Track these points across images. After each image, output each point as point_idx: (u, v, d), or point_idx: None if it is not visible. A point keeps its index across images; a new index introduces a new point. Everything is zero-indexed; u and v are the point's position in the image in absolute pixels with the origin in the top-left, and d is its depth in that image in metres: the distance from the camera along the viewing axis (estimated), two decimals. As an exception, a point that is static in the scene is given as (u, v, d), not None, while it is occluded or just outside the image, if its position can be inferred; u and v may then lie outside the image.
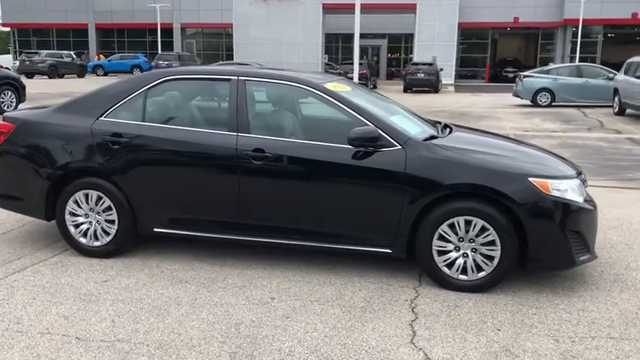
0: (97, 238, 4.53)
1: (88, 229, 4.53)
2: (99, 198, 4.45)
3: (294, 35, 38.99)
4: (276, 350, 3.19)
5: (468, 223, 3.90)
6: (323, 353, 3.16)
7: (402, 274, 4.29)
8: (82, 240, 4.55)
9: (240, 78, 4.36)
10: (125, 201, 4.41)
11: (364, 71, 31.57)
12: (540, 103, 19.73)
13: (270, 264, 4.46)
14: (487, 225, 3.86)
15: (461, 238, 3.95)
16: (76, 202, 4.49)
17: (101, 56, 43.80)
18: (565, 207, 3.86)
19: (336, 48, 49.34)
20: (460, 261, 3.97)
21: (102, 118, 4.46)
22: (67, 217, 4.53)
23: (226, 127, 4.28)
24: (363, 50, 50.63)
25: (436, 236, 3.96)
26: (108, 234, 4.50)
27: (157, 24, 41.87)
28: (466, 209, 3.88)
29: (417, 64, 31.81)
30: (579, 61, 34.48)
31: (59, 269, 4.32)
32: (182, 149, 4.30)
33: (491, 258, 3.92)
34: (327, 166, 4.09)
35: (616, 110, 17.13)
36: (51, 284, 4.04)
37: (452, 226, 3.93)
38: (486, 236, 3.88)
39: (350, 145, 4.01)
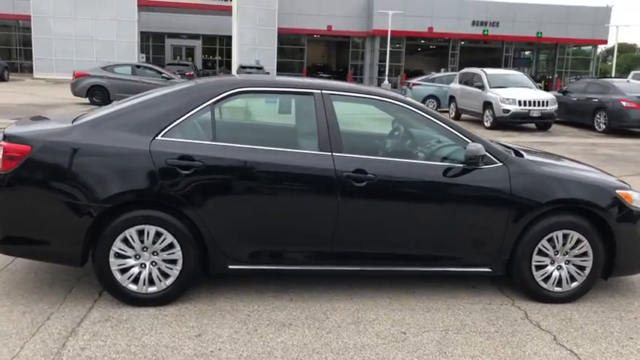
0: (152, 283, 3.72)
1: (139, 272, 3.70)
2: (157, 234, 3.65)
3: (106, 32, 36.16)
4: (480, 391, 2.96)
5: (565, 236, 4.02)
6: (525, 387, 3.02)
7: (479, 290, 4.26)
8: (132, 287, 3.70)
9: (323, 92, 3.92)
10: (191, 236, 3.69)
11: (191, 72, 30.73)
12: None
13: (349, 293, 4.11)
14: (582, 237, 4.03)
15: (556, 251, 4.06)
16: (124, 240, 3.63)
17: None
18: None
19: (147, 47, 46.91)
20: (556, 274, 4.08)
21: (160, 138, 3.66)
22: (112, 260, 3.64)
23: (316, 146, 3.82)
24: (177, 50, 49.07)
25: (536, 251, 4.02)
26: (167, 276, 3.73)
27: None
28: (565, 223, 4.00)
29: (245, 67, 31.67)
30: (388, 69, 37.67)
31: (121, 327, 3.45)
32: (269, 172, 3.73)
33: (583, 268, 4.09)
34: (432, 186, 3.89)
35: (452, 115, 19.01)
36: (141, 349, 3.21)
37: (550, 240, 4.02)
38: (580, 248, 4.05)
39: (465, 163, 3.87)
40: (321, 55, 49.97)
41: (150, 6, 37.28)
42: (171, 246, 3.68)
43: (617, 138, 15.14)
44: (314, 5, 40.95)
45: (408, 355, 3.29)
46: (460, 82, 18.80)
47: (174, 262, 3.71)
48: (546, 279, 4.07)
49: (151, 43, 47.65)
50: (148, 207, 3.65)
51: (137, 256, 3.69)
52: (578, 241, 4.04)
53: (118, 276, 3.67)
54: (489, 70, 17.69)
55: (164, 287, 3.73)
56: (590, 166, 4.78)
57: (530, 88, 16.93)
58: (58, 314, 3.59)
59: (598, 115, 16.33)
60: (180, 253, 3.69)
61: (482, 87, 16.90)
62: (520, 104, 15.63)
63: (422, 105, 4.12)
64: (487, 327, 3.70)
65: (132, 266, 3.69)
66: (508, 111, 15.64)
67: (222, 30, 46.51)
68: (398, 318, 3.77)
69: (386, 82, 38.43)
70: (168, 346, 3.26)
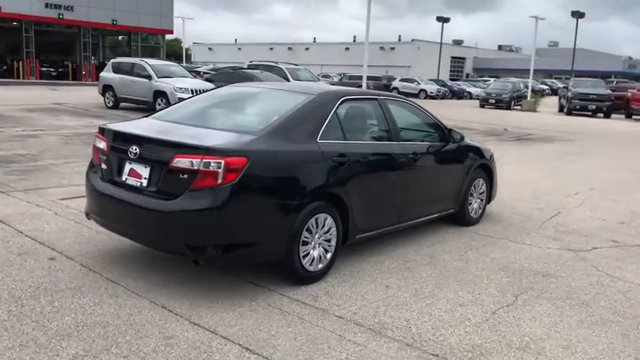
0: (319, 262, 4.47)
1: (312, 254, 4.40)
2: (324, 219, 4.44)
3: None
4: None
5: (478, 180, 6.51)
6: None
7: (441, 226, 6.34)
8: (310, 268, 4.38)
9: (380, 98, 5.30)
10: (339, 216, 4.59)
11: None
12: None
13: (383, 246, 5.60)
14: (482, 180, 6.59)
15: (475, 190, 6.51)
16: (308, 229, 4.30)
17: None
18: (493, 164, 7.03)
19: None
20: (476, 205, 6.54)
21: (319, 141, 4.42)
22: (300, 247, 4.26)
23: (389, 137, 5.19)
24: None
25: (470, 193, 6.38)
26: (327, 253, 4.54)
27: None
28: (479, 172, 6.49)
29: None
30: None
31: (339, 300, 4.21)
32: (382, 160, 5.03)
33: (482, 197, 6.67)
34: (442, 157, 5.83)
35: (111, 104, 19.14)
36: (380, 301, 4.15)
37: (474, 185, 6.45)
38: (482, 186, 6.61)
39: (459, 144, 5.89)
40: None
41: None
42: (330, 227, 4.52)
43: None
44: None
45: (487, 261, 5.21)
46: (115, 72, 19.02)
47: (329, 240, 4.55)
48: (471, 210, 6.50)
49: None
50: (322, 198, 4.38)
51: (311, 242, 4.38)
52: (481, 181, 6.59)
53: (302, 261, 4.30)
54: (151, 61, 18.65)
55: (327, 262, 4.54)
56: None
57: (190, 77, 18.73)
58: (271, 306, 4.02)
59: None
60: (335, 232, 4.56)
61: (149, 77, 17.78)
62: (192, 92, 17.31)
63: (422, 105, 5.90)
64: (478, 243, 5.86)
65: (309, 251, 4.36)
66: (183, 99, 17.08)
67: None
68: (444, 249, 5.54)
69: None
70: (390, 296, 4.29)
